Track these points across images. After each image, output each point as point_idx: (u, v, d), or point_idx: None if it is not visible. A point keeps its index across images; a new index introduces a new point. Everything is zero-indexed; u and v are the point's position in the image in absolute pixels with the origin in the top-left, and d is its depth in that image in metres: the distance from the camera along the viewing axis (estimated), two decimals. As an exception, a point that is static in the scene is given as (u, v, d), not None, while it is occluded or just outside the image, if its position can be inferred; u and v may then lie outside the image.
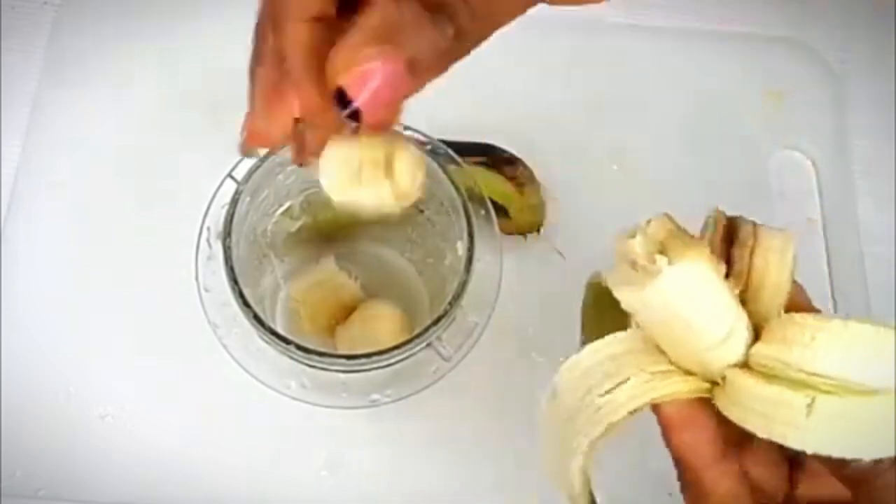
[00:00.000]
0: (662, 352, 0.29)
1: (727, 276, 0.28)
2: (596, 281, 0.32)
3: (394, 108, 0.26)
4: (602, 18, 0.56)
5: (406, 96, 0.26)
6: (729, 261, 0.29)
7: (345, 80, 0.25)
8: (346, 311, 0.46)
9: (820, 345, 0.26)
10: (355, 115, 0.26)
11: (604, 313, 0.32)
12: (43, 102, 0.53)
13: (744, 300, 0.29)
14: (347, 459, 0.47)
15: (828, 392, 0.26)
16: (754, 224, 0.29)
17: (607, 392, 0.29)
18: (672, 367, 0.29)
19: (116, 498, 0.45)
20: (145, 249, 0.50)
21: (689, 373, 0.29)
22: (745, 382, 0.27)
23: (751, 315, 0.28)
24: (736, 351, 0.28)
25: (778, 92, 0.56)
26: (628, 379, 0.29)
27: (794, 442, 0.26)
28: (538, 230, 0.50)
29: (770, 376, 0.27)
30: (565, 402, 0.30)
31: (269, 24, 0.30)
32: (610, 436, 0.29)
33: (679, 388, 0.29)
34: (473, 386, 0.47)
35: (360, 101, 0.25)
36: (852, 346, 0.26)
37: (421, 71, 0.25)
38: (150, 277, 0.49)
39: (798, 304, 0.29)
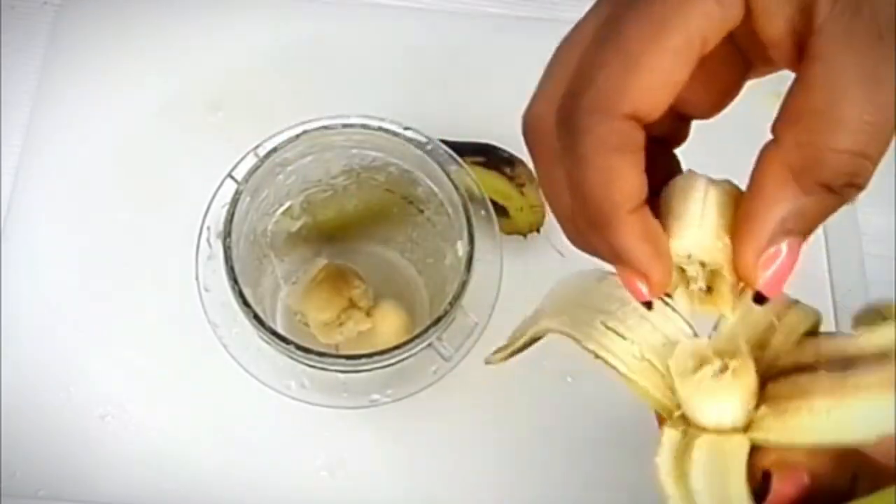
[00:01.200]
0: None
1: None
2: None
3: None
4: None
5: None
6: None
7: (763, 287, 0.25)
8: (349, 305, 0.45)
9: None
10: (760, 301, 0.25)
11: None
12: (43, 102, 0.53)
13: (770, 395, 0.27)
14: (347, 459, 0.47)
15: None
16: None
17: (608, 327, 0.28)
18: (666, 375, 0.28)
19: (116, 498, 0.45)
20: (145, 249, 0.50)
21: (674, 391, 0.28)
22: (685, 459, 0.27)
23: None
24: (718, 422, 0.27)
25: (778, 92, 0.56)
26: (626, 339, 0.28)
27: None
28: (538, 230, 0.50)
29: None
30: (592, 293, 0.30)
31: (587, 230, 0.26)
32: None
33: (649, 390, 0.28)
34: (473, 386, 0.47)
35: (767, 291, 0.25)
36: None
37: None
38: (150, 277, 0.49)
39: None
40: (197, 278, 0.41)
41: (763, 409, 0.27)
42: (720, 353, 0.27)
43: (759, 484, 0.26)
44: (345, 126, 0.41)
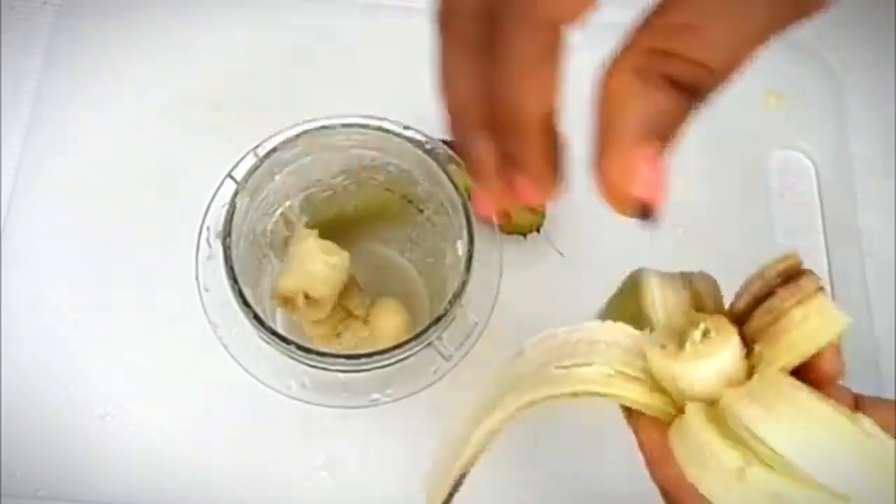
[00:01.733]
0: (645, 362, 0.29)
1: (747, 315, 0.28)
2: (641, 277, 0.32)
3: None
4: (602, 18, 0.56)
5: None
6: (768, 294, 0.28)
7: (640, 191, 0.25)
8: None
9: (779, 415, 0.25)
10: (646, 213, 0.26)
11: (628, 307, 0.32)
12: (43, 102, 0.53)
13: (758, 338, 0.28)
14: (347, 459, 0.47)
15: (766, 465, 0.25)
16: (820, 286, 0.28)
17: (565, 367, 0.29)
18: (643, 378, 0.29)
19: (116, 498, 0.45)
20: (145, 249, 0.50)
21: (662, 391, 0.29)
22: (695, 421, 0.27)
23: (757, 356, 0.28)
24: (707, 386, 0.28)
25: (778, 92, 0.56)
26: (591, 364, 0.29)
27: (717, 500, 0.26)
28: (538, 230, 0.50)
29: (725, 426, 0.26)
30: (523, 365, 0.30)
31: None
32: (539, 405, 0.29)
33: (635, 397, 0.29)
34: (474, 385, 0.47)
35: (647, 196, 0.25)
36: (809, 429, 0.25)
37: (673, 143, 0.25)
38: (150, 277, 0.49)
39: (822, 376, 0.28)
40: (197, 278, 0.41)
41: (756, 348, 0.28)
42: (692, 321, 0.29)
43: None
44: (344, 126, 0.41)
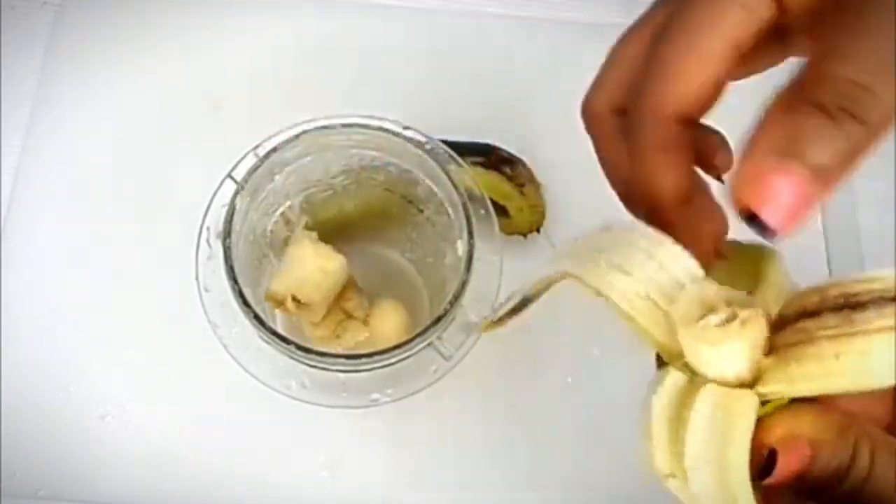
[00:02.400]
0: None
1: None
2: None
3: (805, 217, 0.25)
4: (602, 19, 0.56)
5: (816, 203, 0.25)
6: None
7: (752, 201, 0.25)
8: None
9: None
10: (765, 228, 0.26)
11: None
12: (43, 102, 0.53)
13: (776, 349, 0.26)
14: (347, 459, 0.47)
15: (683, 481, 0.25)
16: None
17: (613, 264, 0.28)
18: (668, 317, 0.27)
19: (116, 498, 0.45)
20: (145, 249, 0.50)
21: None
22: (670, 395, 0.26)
23: (763, 367, 0.26)
24: (703, 368, 0.26)
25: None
26: (630, 275, 0.27)
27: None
28: (538, 230, 0.50)
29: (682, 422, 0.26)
30: (596, 239, 0.30)
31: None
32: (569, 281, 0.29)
33: (652, 330, 0.27)
34: (474, 385, 0.47)
35: (770, 217, 0.25)
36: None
37: (829, 177, 0.25)
38: (150, 277, 0.49)
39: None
40: (197, 278, 0.41)
41: (769, 360, 0.25)
42: (730, 302, 0.26)
43: (762, 461, 0.25)
44: (344, 126, 0.41)
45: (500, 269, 0.41)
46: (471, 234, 0.40)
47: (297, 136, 0.41)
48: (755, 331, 0.25)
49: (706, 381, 0.26)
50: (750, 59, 0.28)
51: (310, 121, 0.41)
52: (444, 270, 0.44)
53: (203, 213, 0.41)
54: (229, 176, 0.41)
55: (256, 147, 0.41)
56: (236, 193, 0.40)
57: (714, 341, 0.25)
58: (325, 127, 0.41)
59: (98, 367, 0.47)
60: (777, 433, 0.25)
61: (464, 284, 0.39)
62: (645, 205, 0.29)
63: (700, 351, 0.26)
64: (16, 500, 0.45)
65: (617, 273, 0.27)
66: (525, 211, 0.49)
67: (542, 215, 0.50)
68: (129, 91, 0.53)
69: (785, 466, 0.25)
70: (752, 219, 0.25)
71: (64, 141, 0.52)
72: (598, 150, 0.32)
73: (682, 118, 0.28)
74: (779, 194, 0.25)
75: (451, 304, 0.39)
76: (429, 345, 0.39)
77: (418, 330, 0.39)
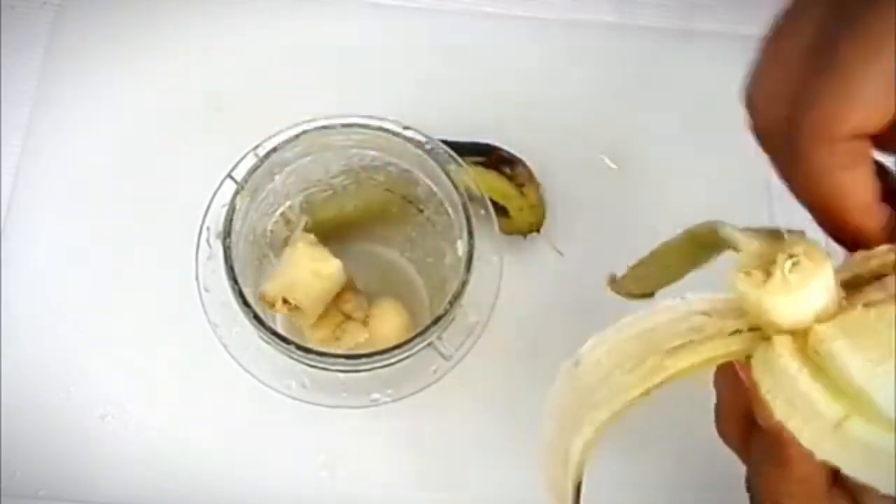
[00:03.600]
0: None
1: None
2: (701, 231, 0.30)
3: None
4: (602, 18, 0.56)
5: None
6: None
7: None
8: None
9: (871, 354, 0.23)
10: None
11: (681, 261, 0.30)
12: (43, 102, 0.53)
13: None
14: (347, 459, 0.47)
15: (866, 416, 0.23)
16: None
17: (629, 371, 0.27)
18: (716, 330, 0.26)
19: (116, 498, 0.45)
20: (145, 249, 0.50)
21: (737, 332, 0.26)
22: (787, 363, 0.24)
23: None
24: (798, 319, 0.25)
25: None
26: (645, 362, 0.27)
27: (808, 444, 0.23)
28: (538, 230, 0.50)
29: (817, 366, 0.24)
30: (586, 375, 0.29)
31: None
32: (623, 413, 0.28)
33: (717, 351, 0.26)
34: (474, 385, 0.47)
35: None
36: None
37: None
38: (150, 277, 0.49)
39: None
40: (197, 278, 0.41)
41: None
42: (779, 248, 0.26)
43: None
44: (344, 126, 0.41)
45: (500, 269, 0.41)
46: (471, 234, 0.40)
47: (297, 136, 0.41)
48: (824, 257, 0.25)
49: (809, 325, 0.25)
50: None
51: (310, 121, 0.41)
52: (444, 270, 0.44)
53: (203, 213, 0.41)
54: (229, 176, 0.41)
55: (256, 147, 0.41)
56: (236, 193, 0.40)
57: (802, 281, 0.25)
58: (325, 127, 0.41)
59: (98, 367, 0.47)
60: None
61: (464, 284, 0.39)
62: (833, 227, 0.27)
63: (789, 301, 0.25)
64: (16, 500, 0.45)
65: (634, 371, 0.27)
66: (525, 211, 0.49)
67: (542, 215, 0.50)
68: (129, 91, 0.53)
69: None
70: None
71: (64, 141, 0.52)
72: (775, 167, 0.29)
73: (858, 136, 0.25)
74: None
75: (451, 304, 0.39)
76: (429, 345, 0.39)
77: (418, 330, 0.39)
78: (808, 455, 0.24)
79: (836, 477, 0.27)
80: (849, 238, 0.27)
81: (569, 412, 0.29)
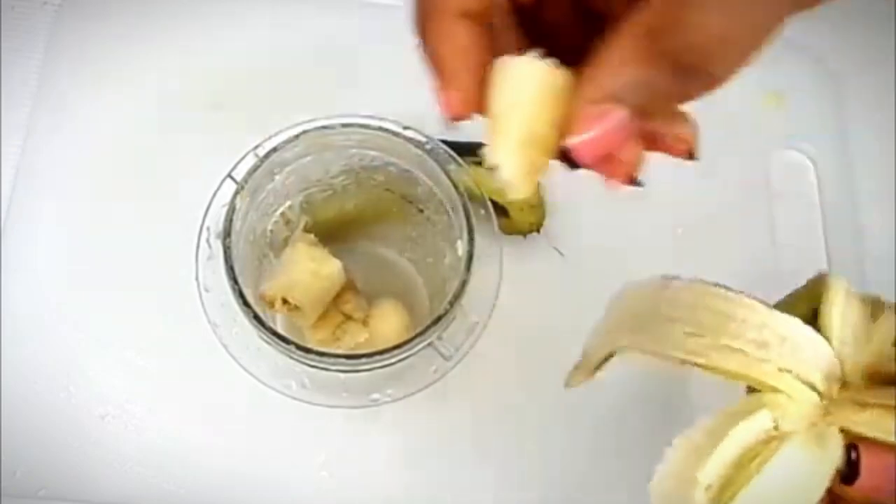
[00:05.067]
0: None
1: None
2: (827, 282, 0.31)
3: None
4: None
5: (629, 139, 0.26)
6: None
7: (573, 143, 0.25)
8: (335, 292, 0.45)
9: None
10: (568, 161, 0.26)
11: (800, 308, 0.31)
12: (43, 102, 0.53)
13: None
14: (347, 459, 0.47)
15: None
16: None
17: (737, 348, 0.28)
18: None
19: (116, 498, 0.45)
20: (145, 249, 0.50)
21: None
22: None
23: None
24: None
25: (778, 92, 0.56)
26: (768, 361, 0.28)
27: None
28: (538, 230, 0.50)
29: None
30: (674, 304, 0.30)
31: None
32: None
33: (741, 371, 0.28)
34: (474, 385, 0.47)
35: (583, 153, 0.25)
36: None
37: (647, 115, 0.26)
38: (150, 277, 0.49)
39: None
40: (197, 278, 0.41)
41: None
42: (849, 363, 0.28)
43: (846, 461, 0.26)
44: (344, 126, 0.41)
45: (500, 269, 0.41)
46: (471, 234, 0.40)
47: (297, 136, 0.41)
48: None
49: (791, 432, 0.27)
50: None
51: (310, 121, 0.41)
52: (444, 270, 0.44)
53: (203, 213, 0.41)
54: (229, 176, 0.41)
55: (256, 147, 0.41)
56: (236, 193, 0.40)
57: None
58: (325, 127, 0.41)
59: (98, 367, 0.47)
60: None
61: (464, 284, 0.39)
62: (420, 20, 0.29)
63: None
64: (16, 499, 0.45)
65: (759, 363, 0.28)
66: (525, 211, 0.49)
67: (542, 215, 0.50)
68: (130, 91, 0.53)
69: (870, 465, 0.26)
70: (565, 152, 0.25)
71: (64, 141, 0.52)
72: None
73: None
74: (595, 131, 0.25)
75: (451, 304, 0.39)
76: (429, 345, 0.39)
77: (418, 330, 0.39)
78: None
79: None
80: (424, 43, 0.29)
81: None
